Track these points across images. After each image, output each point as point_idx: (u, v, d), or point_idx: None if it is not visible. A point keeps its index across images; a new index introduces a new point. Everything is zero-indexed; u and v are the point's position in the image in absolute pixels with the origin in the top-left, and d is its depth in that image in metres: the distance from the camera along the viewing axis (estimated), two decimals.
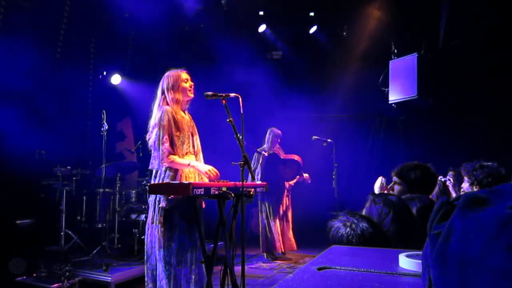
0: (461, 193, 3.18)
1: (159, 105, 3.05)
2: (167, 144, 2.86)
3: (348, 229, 1.42)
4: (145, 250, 2.94)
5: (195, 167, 2.88)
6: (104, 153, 4.98)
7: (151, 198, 2.93)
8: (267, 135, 6.04)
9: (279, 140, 6.05)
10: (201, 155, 3.16)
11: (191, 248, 2.86)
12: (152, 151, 2.97)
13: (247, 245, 6.06)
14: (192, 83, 3.13)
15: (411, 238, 1.62)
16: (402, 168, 2.53)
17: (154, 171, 3.01)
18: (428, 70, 5.92)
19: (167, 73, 3.12)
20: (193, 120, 3.19)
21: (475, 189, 2.86)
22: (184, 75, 3.10)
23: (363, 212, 1.88)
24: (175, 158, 2.87)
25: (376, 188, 2.90)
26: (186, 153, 3.00)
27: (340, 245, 1.37)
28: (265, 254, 5.89)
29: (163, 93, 3.06)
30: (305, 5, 6.89)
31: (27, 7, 5.05)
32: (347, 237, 1.40)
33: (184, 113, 3.11)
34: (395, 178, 2.56)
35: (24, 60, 4.78)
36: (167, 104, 3.02)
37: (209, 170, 2.85)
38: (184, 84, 3.06)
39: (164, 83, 3.07)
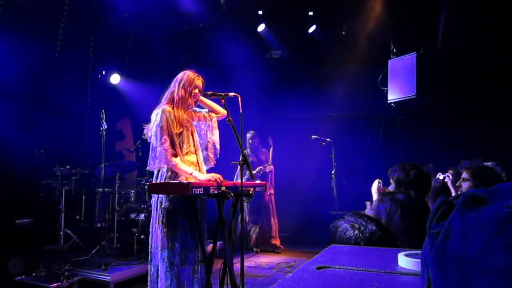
0: (459, 191, 3.20)
1: (165, 97, 3.04)
2: (166, 144, 2.83)
3: (356, 231, 1.41)
4: (150, 251, 2.93)
5: (196, 178, 2.81)
6: (103, 152, 4.98)
7: (154, 199, 2.92)
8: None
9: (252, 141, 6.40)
10: (200, 152, 3.15)
11: (194, 247, 2.85)
12: (150, 151, 2.96)
13: (246, 245, 6.10)
14: (199, 94, 3.10)
15: (418, 236, 1.61)
16: (392, 167, 2.57)
17: (155, 171, 2.99)
18: (427, 69, 5.92)
19: (186, 71, 3.08)
20: (191, 119, 3.17)
21: None
22: (199, 82, 3.07)
23: (369, 212, 1.88)
24: (179, 162, 2.83)
25: (373, 191, 2.91)
26: (187, 153, 2.97)
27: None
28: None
29: (174, 86, 3.03)
30: (304, 5, 6.89)
31: (26, 6, 5.04)
32: (355, 239, 1.40)
33: (186, 112, 3.07)
34: (390, 178, 2.60)
35: (23, 59, 4.78)
36: (174, 98, 2.99)
37: (209, 180, 2.76)
38: (194, 91, 3.05)
39: (179, 77, 3.05)
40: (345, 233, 1.42)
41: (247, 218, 6.19)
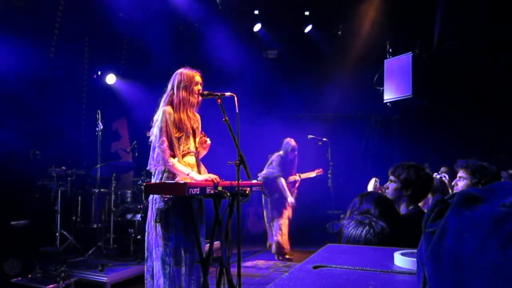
0: (454, 190, 3.20)
1: (164, 101, 3.00)
2: (164, 145, 2.84)
3: (367, 227, 1.42)
4: (146, 249, 2.92)
5: (193, 178, 2.82)
6: (99, 153, 4.96)
7: (150, 198, 2.92)
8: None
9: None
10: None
11: (190, 248, 2.84)
12: (151, 151, 2.96)
13: (243, 244, 6.08)
14: (201, 88, 3.06)
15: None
16: (397, 166, 2.56)
17: (153, 171, 2.99)
18: (423, 69, 5.95)
19: (180, 70, 3.03)
20: (199, 121, 3.13)
21: None
22: (198, 78, 3.03)
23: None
24: (176, 163, 2.83)
25: (370, 189, 2.92)
26: (186, 154, 2.97)
27: (357, 244, 1.38)
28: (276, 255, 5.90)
29: (172, 89, 2.99)
30: (300, 4, 6.90)
31: (21, 7, 5.02)
32: (366, 234, 1.41)
33: (191, 113, 3.03)
34: (391, 177, 2.59)
35: (18, 59, 4.75)
36: (173, 101, 2.96)
37: (206, 181, 2.77)
38: (196, 87, 3.01)
39: (176, 80, 2.99)
40: (353, 229, 1.43)
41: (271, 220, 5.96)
